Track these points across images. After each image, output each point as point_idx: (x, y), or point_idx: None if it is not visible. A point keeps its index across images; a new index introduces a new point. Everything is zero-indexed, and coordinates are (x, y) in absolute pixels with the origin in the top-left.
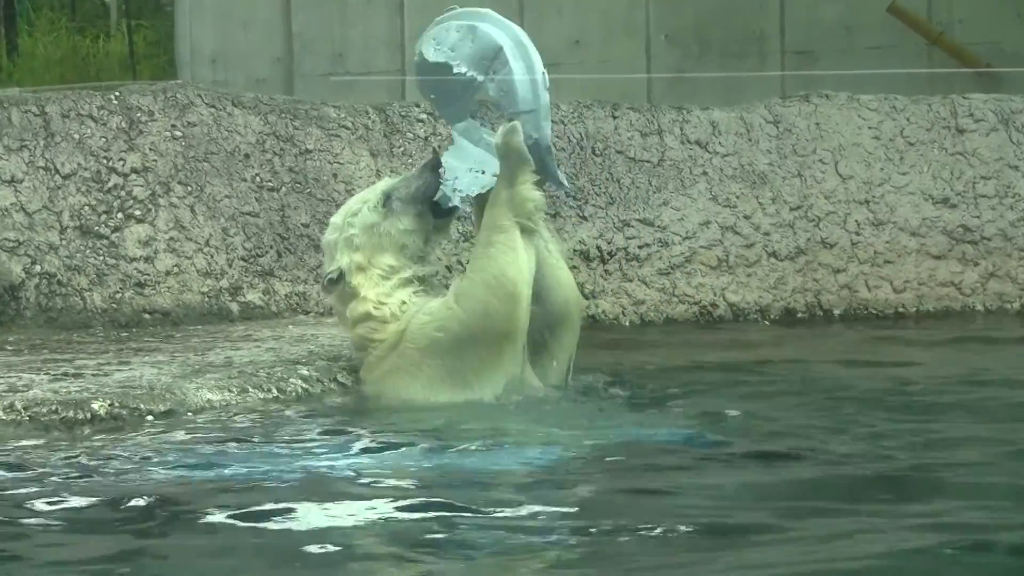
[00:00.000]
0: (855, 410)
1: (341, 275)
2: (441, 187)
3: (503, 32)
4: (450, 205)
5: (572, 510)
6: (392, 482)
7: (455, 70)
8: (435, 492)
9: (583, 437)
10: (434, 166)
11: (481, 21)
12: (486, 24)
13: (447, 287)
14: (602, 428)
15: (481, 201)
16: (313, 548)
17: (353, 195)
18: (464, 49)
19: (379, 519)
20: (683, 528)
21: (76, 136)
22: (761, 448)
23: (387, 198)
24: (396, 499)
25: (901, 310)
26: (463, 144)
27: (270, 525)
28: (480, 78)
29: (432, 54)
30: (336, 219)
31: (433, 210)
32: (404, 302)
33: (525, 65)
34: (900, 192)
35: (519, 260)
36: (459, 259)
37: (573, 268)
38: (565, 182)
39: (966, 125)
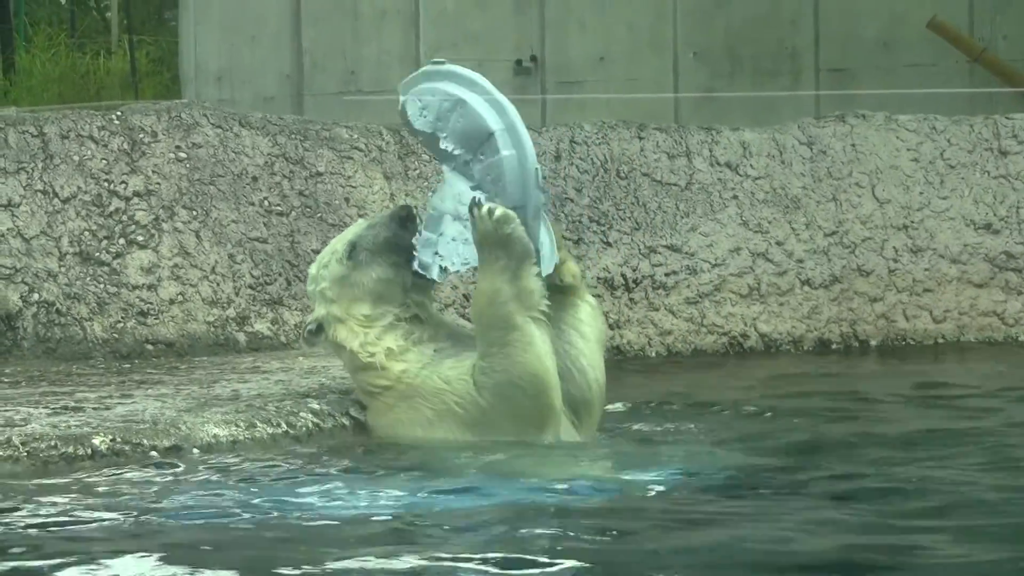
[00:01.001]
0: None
1: (320, 327)
2: (418, 255)
3: (495, 113)
4: (429, 277)
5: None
6: (407, 524)
7: (440, 144)
8: (461, 536)
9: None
10: (402, 219)
11: (471, 94)
12: (477, 100)
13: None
14: (636, 467)
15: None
16: None
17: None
18: (451, 123)
19: (396, 564)
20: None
21: (76, 158)
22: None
23: (352, 248)
24: (410, 543)
25: (941, 341)
26: (455, 182)
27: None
28: (467, 158)
29: (417, 121)
30: (311, 270)
31: (399, 260)
32: (391, 348)
33: (517, 155)
34: (940, 217)
35: (540, 353)
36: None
37: (596, 296)
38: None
39: (1010, 147)
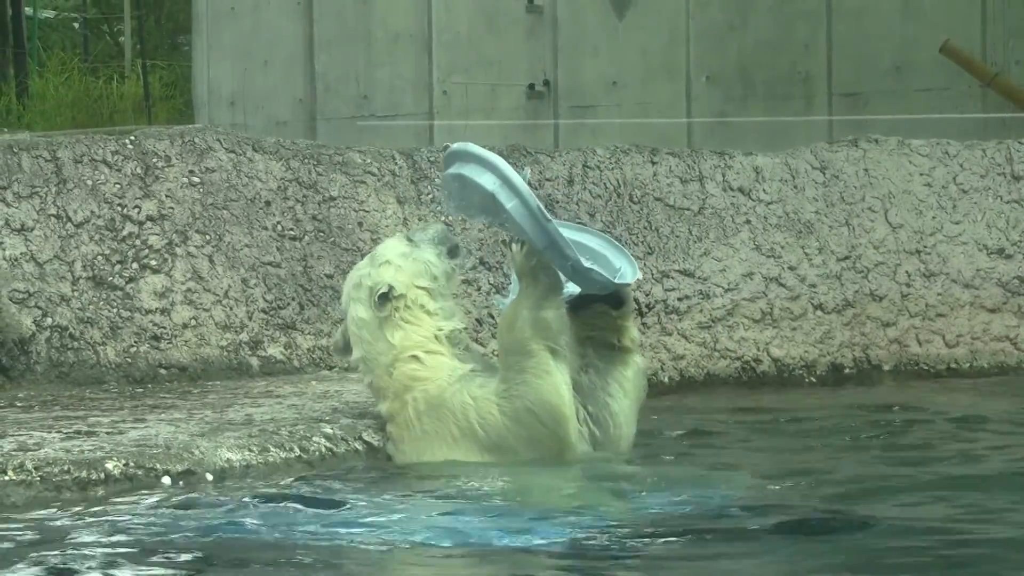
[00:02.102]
0: None
1: (391, 289)
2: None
3: (488, 173)
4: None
5: None
6: (421, 551)
7: (471, 220)
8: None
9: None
10: (453, 248)
11: (464, 166)
12: (469, 168)
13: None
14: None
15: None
16: None
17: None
18: (466, 199)
19: None
20: None
21: (89, 182)
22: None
23: (406, 236)
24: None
25: (953, 366)
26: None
27: None
28: (496, 224)
29: (451, 208)
30: (360, 264)
31: (450, 252)
32: (442, 352)
33: (520, 202)
34: (953, 242)
35: (555, 383)
36: (490, 312)
37: None
38: (619, 278)
39: (1022, 172)
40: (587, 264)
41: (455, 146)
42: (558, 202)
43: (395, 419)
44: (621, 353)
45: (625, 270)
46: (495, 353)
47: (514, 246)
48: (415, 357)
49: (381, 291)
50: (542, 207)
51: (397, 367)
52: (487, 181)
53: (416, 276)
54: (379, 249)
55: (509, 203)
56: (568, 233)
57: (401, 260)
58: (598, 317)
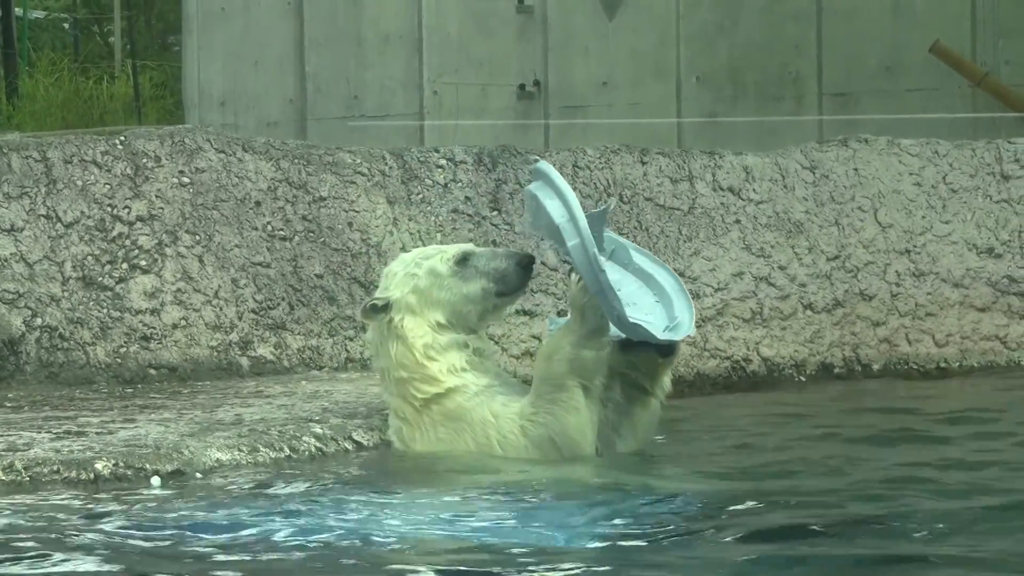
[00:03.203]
0: None
1: (387, 307)
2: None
3: (559, 203)
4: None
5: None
6: (419, 549)
7: (542, 239)
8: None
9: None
10: (527, 264)
11: (542, 188)
12: (545, 192)
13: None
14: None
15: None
16: None
17: (369, 243)
18: (539, 219)
19: None
20: None
21: (79, 183)
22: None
23: (465, 258)
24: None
25: (943, 365)
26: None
27: None
28: (561, 252)
29: (526, 224)
30: (407, 255)
31: (498, 291)
32: (455, 367)
33: (580, 243)
34: (942, 241)
35: (582, 422)
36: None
37: None
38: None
39: (1012, 171)
40: (633, 319)
41: (540, 164)
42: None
43: (407, 421)
44: (645, 396)
45: (682, 322)
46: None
47: (573, 276)
48: (423, 372)
49: (375, 303)
50: (598, 255)
51: (402, 383)
52: (556, 212)
53: (430, 304)
54: (426, 252)
55: (570, 241)
56: (644, 264)
57: (427, 281)
58: (642, 360)
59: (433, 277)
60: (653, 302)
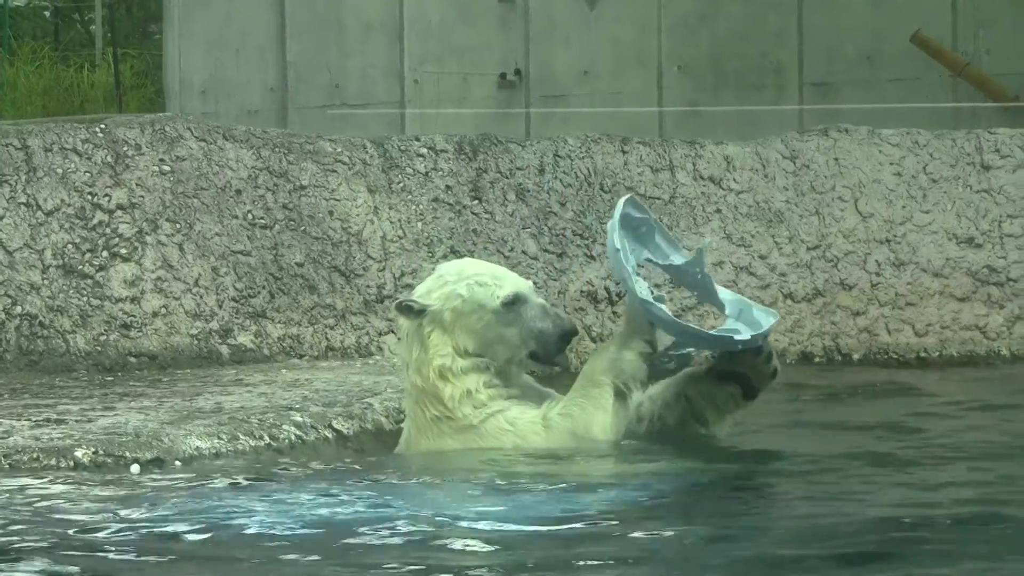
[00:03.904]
0: None
1: (423, 313)
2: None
3: (614, 243)
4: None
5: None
6: (409, 530)
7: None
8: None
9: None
10: (567, 335)
11: (613, 222)
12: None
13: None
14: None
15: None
16: None
17: (350, 232)
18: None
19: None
20: None
21: (59, 171)
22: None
23: (514, 302)
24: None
25: (923, 355)
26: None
27: None
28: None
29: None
30: (464, 267)
31: (531, 352)
32: (471, 391)
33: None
34: (922, 231)
35: (606, 421)
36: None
37: (580, 310)
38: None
39: (992, 161)
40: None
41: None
42: (529, 191)
43: (417, 426)
44: (694, 426)
45: (759, 322)
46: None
47: (636, 282)
48: (429, 378)
49: (411, 304)
50: (652, 296)
51: (414, 377)
52: (612, 252)
53: (464, 329)
54: (481, 277)
55: (621, 272)
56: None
57: (468, 307)
58: (720, 394)
59: (477, 307)
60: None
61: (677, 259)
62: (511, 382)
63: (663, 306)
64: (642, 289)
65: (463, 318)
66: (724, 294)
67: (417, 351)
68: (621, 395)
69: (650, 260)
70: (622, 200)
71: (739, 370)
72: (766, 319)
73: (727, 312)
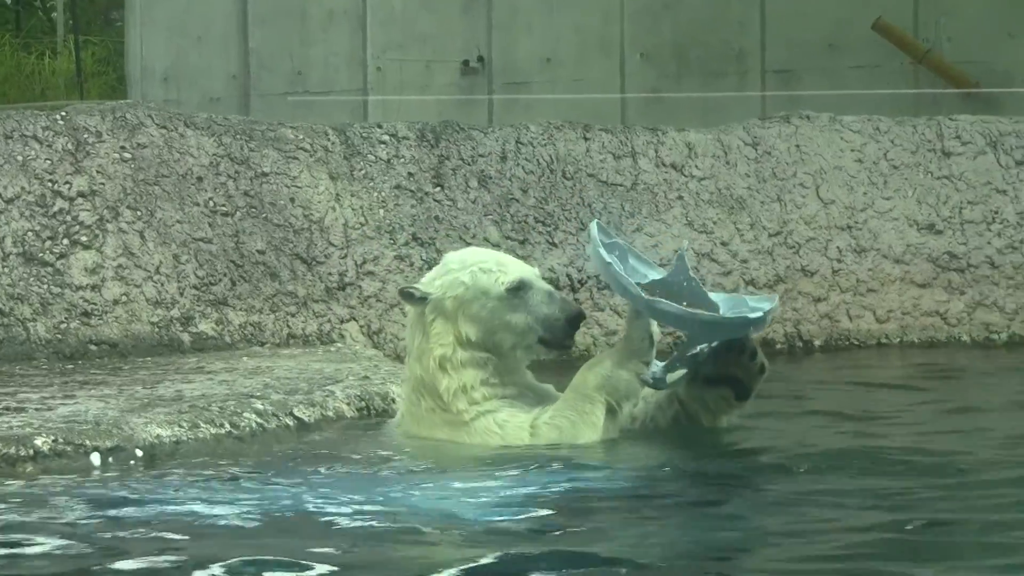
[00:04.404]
0: None
1: (425, 301)
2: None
3: (604, 258)
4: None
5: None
6: (364, 516)
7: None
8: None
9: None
10: (575, 319)
11: (594, 240)
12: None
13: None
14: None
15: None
16: None
17: (311, 219)
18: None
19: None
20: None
21: (19, 158)
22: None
23: (519, 288)
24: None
25: (884, 341)
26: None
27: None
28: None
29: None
30: (468, 256)
31: (540, 337)
32: (466, 386)
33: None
34: (883, 217)
35: (594, 438)
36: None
37: None
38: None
39: (953, 148)
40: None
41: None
42: (491, 178)
43: (412, 413)
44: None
45: (759, 308)
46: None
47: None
48: (429, 367)
49: (412, 291)
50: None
51: (414, 364)
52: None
53: (467, 317)
54: (485, 264)
55: (607, 273)
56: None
57: (470, 295)
58: (711, 397)
59: (480, 295)
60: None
61: (656, 275)
62: (511, 379)
63: (669, 301)
64: (641, 293)
65: (466, 306)
66: (714, 296)
67: (419, 339)
68: (612, 411)
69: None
70: (592, 224)
71: (727, 372)
72: (767, 304)
73: (722, 311)
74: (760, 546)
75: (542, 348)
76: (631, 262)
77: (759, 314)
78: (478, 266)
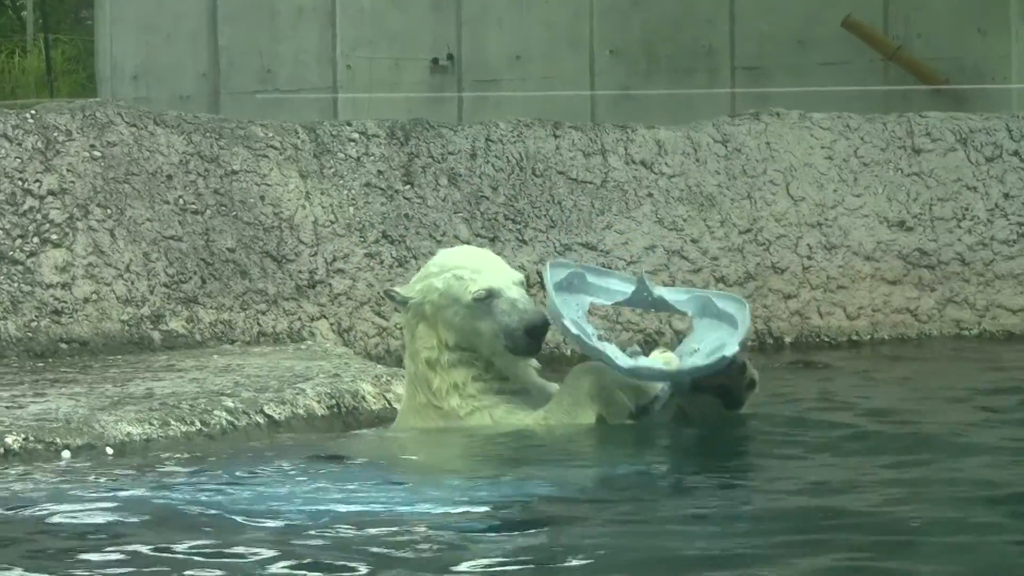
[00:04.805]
0: None
1: (406, 305)
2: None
3: (570, 329)
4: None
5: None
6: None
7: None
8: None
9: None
10: (535, 332)
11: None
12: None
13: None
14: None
15: None
16: None
17: (282, 217)
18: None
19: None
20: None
21: None
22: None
23: (486, 298)
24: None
25: (855, 338)
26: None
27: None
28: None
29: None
30: (447, 259)
31: (505, 345)
32: (458, 384)
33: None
34: (854, 214)
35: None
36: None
37: None
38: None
39: (923, 144)
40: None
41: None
42: (461, 176)
43: (411, 407)
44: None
45: (726, 344)
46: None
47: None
48: (418, 367)
49: (393, 295)
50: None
51: (408, 361)
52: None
53: (445, 325)
54: (459, 264)
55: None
56: (722, 304)
57: (443, 301)
58: (702, 401)
59: (452, 301)
60: (727, 334)
61: (618, 285)
62: (507, 374)
63: (646, 360)
64: (617, 354)
65: (441, 311)
66: (679, 296)
67: (409, 339)
68: (602, 420)
69: (594, 303)
70: (545, 273)
71: (715, 383)
72: (736, 309)
73: (690, 314)
74: (747, 544)
75: (510, 355)
76: (591, 280)
77: (734, 348)
78: (453, 272)
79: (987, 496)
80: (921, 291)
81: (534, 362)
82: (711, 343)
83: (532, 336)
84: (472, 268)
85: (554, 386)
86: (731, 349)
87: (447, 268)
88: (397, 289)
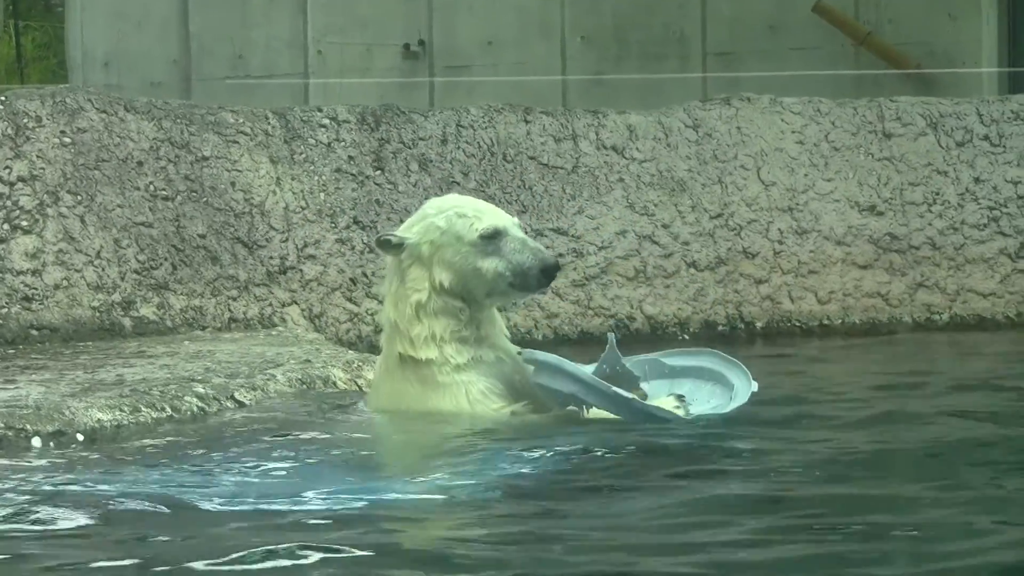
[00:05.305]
0: None
1: (402, 248)
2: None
3: (564, 380)
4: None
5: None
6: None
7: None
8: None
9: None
10: (549, 269)
11: (540, 375)
12: (548, 379)
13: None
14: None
15: None
16: None
17: (252, 203)
18: (557, 396)
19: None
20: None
21: None
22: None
23: (493, 236)
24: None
25: (826, 322)
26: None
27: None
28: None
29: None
30: (445, 203)
31: (511, 283)
32: (436, 335)
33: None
34: (825, 199)
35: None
36: (364, 271)
37: None
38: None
39: (894, 129)
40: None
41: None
42: (432, 161)
43: (386, 368)
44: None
45: (739, 388)
46: None
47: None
48: (404, 315)
49: (390, 239)
50: (619, 392)
51: (389, 309)
52: (564, 386)
53: (443, 265)
54: (461, 209)
55: (594, 399)
56: (681, 361)
57: (445, 239)
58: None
59: (454, 239)
60: (710, 388)
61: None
62: (486, 335)
63: (658, 403)
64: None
65: (441, 251)
66: (635, 365)
67: (396, 284)
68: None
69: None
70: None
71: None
72: (723, 366)
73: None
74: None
75: (515, 292)
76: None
77: (749, 386)
78: (454, 211)
79: (974, 482)
80: (892, 275)
81: (504, 327)
82: (708, 394)
83: (546, 275)
84: (473, 208)
85: (514, 349)
86: (743, 396)
87: (446, 209)
88: (395, 232)
